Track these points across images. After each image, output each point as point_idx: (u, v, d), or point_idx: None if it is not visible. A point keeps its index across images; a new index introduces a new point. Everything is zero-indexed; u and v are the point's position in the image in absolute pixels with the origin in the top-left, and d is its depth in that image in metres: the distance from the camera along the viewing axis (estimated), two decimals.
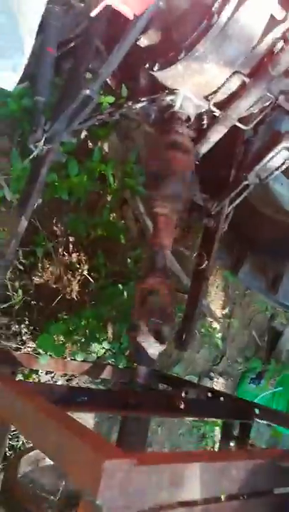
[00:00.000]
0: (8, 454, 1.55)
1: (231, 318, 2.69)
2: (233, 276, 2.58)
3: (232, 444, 1.61)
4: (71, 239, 1.88)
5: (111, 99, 1.73)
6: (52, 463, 1.39)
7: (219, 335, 2.59)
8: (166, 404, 1.32)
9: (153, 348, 1.33)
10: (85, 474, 0.59)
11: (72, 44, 1.58)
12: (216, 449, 2.12)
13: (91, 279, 1.92)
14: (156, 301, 1.33)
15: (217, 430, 2.29)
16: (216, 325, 2.58)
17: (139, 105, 1.46)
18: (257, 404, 1.59)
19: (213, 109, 1.52)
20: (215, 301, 2.61)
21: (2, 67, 0.78)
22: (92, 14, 1.02)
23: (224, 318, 2.65)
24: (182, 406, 1.32)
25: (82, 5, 1.34)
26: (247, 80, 1.43)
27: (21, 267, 1.71)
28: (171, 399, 1.33)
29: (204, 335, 2.51)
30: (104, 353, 1.78)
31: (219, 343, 2.58)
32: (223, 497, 0.74)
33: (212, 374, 2.58)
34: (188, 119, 1.59)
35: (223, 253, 2.19)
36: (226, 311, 2.67)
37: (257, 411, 1.53)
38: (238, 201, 1.82)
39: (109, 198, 1.92)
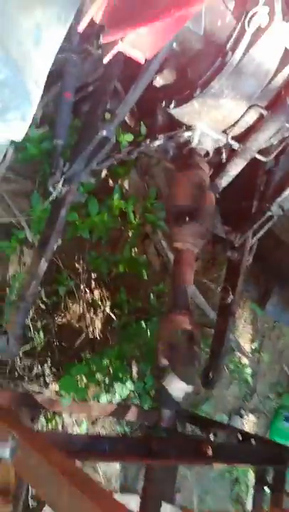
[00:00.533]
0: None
1: (261, 352, 2.59)
2: (260, 309, 2.50)
3: (266, 490, 1.51)
4: (93, 276, 1.87)
5: (130, 137, 1.75)
6: None
7: (249, 370, 2.48)
8: (193, 450, 1.25)
9: (178, 391, 1.28)
10: None
11: (90, 88, 1.62)
12: (250, 496, 1.99)
13: (114, 316, 1.89)
14: (180, 340, 1.29)
15: (251, 474, 2.16)
16: (245, 360, 2.48)
17: (157, 143, 1.46)
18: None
19: (232, 142, 1.51)
20: (243, 334, 2.52)
21: (11, 118, 0.79)
22: (105, 61, 1.04)
23: (253, 352, 2.55)
24: (210, 452, 1.25)
25: (100, 51, 1.38)
26: (265, 112, 1.42)
27: (44, 307, 1.70)
28: (198, 444, 1.26)
29: (233, 371, 2.42)
30: (129, 393, 1.73)
31: (249, 378, 2.47)
32: None
33: (243, 411, 2.46)
34: (207, 153, 1.58)
35: (250, 285, 2.13)
36: (255, 345, 2.57)
37: None
38: (261, 233, 1.78)
39: (130, 234, 1.91)
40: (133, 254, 1.96)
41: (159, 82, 1.42)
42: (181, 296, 1.38)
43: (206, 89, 1.33)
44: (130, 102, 1.25)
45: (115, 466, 1.83)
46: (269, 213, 1.73)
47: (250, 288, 2.16)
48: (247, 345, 2.52)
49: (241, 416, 2.44)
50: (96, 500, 0.58)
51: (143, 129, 1.77)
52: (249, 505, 2.10)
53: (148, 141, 1.49)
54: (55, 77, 1.49)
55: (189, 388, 1.30)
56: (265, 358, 2.60)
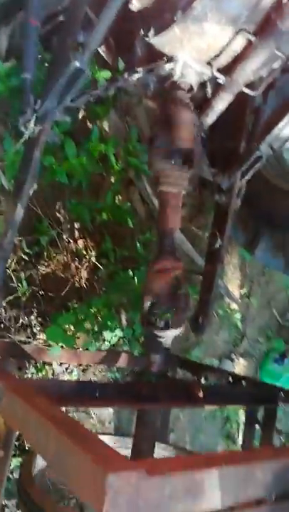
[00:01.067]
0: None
1: (250, 297, 2.59)
2: (249, 255, 2.47)
3: (257, 428, 1.54)
4: (76, 225, 1.80)
5: (107, 73, 1.62)
6: None
7: (238, 315, 2.50)
8: (184, 393, 1.24)
9: (166, 335, 1.26)
10: (89, 488, 0.52)
11: (60, 18, 1.48)
12: (241, 434, 2.05)
13: (100, 266, 1.85)
14: (167, 284, 1.25)
15: (241, 413, 2.22)
16: (234, 305, 2.48)
17: (136, 76, 1.35)
18: (281, 387, 1.51)
19: (217, 74, 1.40)
20: (232, 280, 2.51)
21: None
22: None
23: (243, 297, 2.56)
24: (201, 394, 1.25)
25: None
26: (253, 38, 1.31)
27: (26, 258, 1.64)
28: (188, 387, 1.26)
29: (223, 316, 2.43)
30: (118, 340, 1.72)
31: (239, 323, 2.49)
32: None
33: (233, 356, 2.50)
34: (191, 88, 1.48)
35: (238, 231, 2.09)
36: (245, 290, 2.57)
37: (282, 394, 1.45)
38: (250, 175, 1.71)
39: (112, 180, 1.83)
40: (116, 202, 1.89)
41: (135, 5, 1.29)
42: (167, 240, 1.33)
43: (187, 11, 1.21)
44: (103, 27, 1.13)
45: (108, 410, 1.86)
46: (258, 153, 1.65)
47: (238, 233, 2.12)
48: (236, 291, 2.51)
49: (232, 360, 2.49)
50: (83, 444, 0.56)
51: (121, 65, 1.64)
52: (240, 442, 2.18)
53: (126, 74, 1.37)
54: (19, 2, 1.34)
55: (178, 332, 1.28)
56: (255, 303, 2.61)
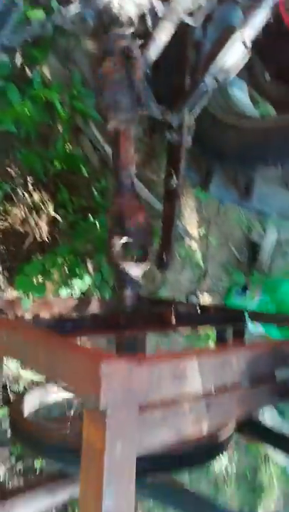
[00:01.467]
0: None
1: (209, 237, 2.68)
2: (204, 194, 2.53)
3: None
4: (30, 179, 1.76)
5: (40, 13, 1.55)
6: (56, 400, 1.40)
7: (199, 255, 2.59)
8: (158, 321, 1.31)
9: (134, 269, 1.30)
10: (84, 382, 0.56)
11: None
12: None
13: (59, 218, 1.84)
14: (130, 221, 1.28)
15: (213, 334, 2.34)
16: (194, 245, 2.57)
17: (72, 9, 1.30)
18: (246, 309, 1.62)
19: (155, 3, 1.38)
20: (190, 222, 2.58)
21: None
22: None
23: (202, 237, 2.64)
24: (174, 321, 1.32)
25: None
26: None
27: None
28: (162, 315, 1.33)
29: (185, 256, 2.51)
30: (88, 287, 1.75)
31: (200, 262, 2.59)
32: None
33: (198, 292, 2.61)
34: (131, 22, 1.45)
35: (192, 171, 2.12)
36: (203, 230, 2.65)
37: (247, 315, 1.56)
38: (198, 109, 1.72)
39: (60, 129, 1.79)
40: (68, 151, 1.86)
41: None
42: (124, 177, 1.34)
43: None
44: None
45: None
46: (203, 87, 1.66)
47: (192, 174, 2.16)
48: (195, 232, 2.59)
49: (197, 297, 2.60)
50: (74, 347, 0.59)
51: (54, 3, 1.56)
52: None
53: (62, 9, 1.32)
54: None
55: (147, 266, 1.33)
56: (214, 242, 2.71)
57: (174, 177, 1.72)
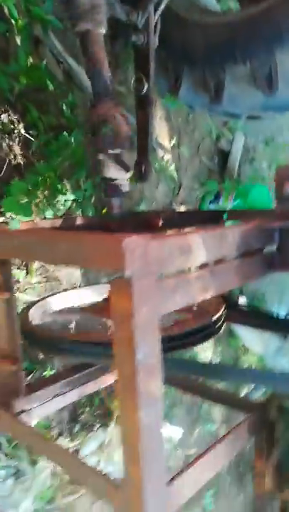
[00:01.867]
0: None
1: (180, 147, 2.69)
2: (173, 103, 2.50)
3: None
4: None
5: None
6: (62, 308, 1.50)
7: (173, 167, 2.62)
8: (145, 225, 1.38)
9: (120, 176, 1.34)
10: (109, 258, 0.63)
11: None
12: None
13: (31, 138, 1.80)
14: (111, 125, 1.28)
15: None
16: (167, 157, 2.58)
17: None
18: (224, 209, 1.71)
19: None
20: (161, 133, 2.56)
21: None
22: None
23: (174, 149, 2.65)
24: (161, 223, 1.40)
25: None
26: None
27: None
28: (148, 220, 1.40)
29: (159, 170, 2.53)
30: (71, 205, 1.78)
31: (174, 174, 2.62)
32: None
33: (174, 205, 2.68)
34: None
35: (159, 77, 2.07)
36: (174, 141, 2.65)
37: (225, 214, 1.65)
38: (163, 7, 1.66)
39: (19, 40, 1.69)
40: (29, 65, 1.77)
41: None
42: (99, 82, 1.32)
43: None
44: None
45: (76, 274, 2.00)
46: None
47: (160, 80, 2.11)
48: (166, 143, 2.59)
49: (174, 209, 2.68)
50: (95, 235, 0.65)
51: None
52: None
53: None
54: None
55: (130, 173, 1.36)
56: (185, 152, 2.72)
57: (145, 81, 1.69)
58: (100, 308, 1.39)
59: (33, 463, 1.98)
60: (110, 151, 1.32)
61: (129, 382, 0.64)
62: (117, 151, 1.32)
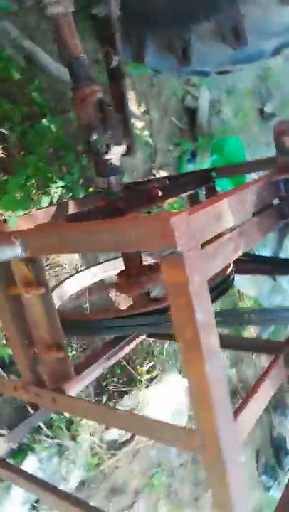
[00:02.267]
0: None
1: (150, 112, 2.70)
2: (136, 68, 2.48)
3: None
4: None
5: None
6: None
7: (146, 132, 2.63)
8: (148, 196, 1.43)
9: (113, 154, 1.37)
10: (158, 238, 0.69)
11: None
12: None
13: (6, 132, 1.79)
14: (95, 108, 1.30)
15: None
16: (140, 124, 2.59)
17: None
18: (209, 168, 1.75)
19: None
20: (129, 101, 2.55)
21: None
22: None
23: (143, 114, 2.65)
24: (160, 193, 1.45)
25: None
26: None
27: None
28: (148, 192, 1.44)
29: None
30: (62, 191, 1.79)
31: (149, 139, 2.64)
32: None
33: (154, 171, 2.72)
34: None
35: (123, 46, 2.05)
36: (142, 107, 2.65)
37: (213, 173, 1.71)
38: None
39: None
40: None
41: None
42: (76, 65, 1.33)
43: None
44: None
45: (75, 256, 2.04)
46: None
47: (124, 48, 2.08)
48: (136, 110, 2.59)
49: (154, 175, 2.71)
50: (139, 218, 0.71)
51: None
52: None
53: None
54: None
55: (123, 148, 1.40)
56: (155, 116, 2.73)
57: (113, 53, 1.68)
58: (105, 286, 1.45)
59: (73, 438, 2.10)
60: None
61: (193, 342, 0.72)
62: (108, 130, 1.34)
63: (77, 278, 1.61)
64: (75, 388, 1.18)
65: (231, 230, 0.86)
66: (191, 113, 3.03)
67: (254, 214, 0.94)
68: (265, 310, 1.28)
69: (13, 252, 0.93)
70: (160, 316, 1.09)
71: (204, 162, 2.84)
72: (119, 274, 1.46)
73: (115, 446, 2.35)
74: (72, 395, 1.12)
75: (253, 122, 3.58)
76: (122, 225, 0.74)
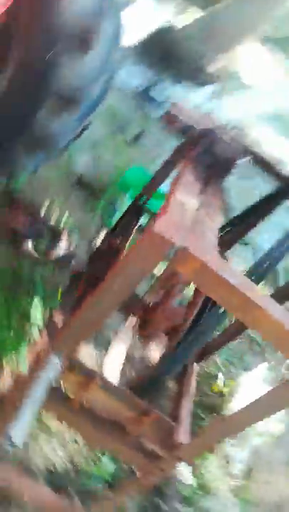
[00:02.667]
0: None
1: None
2: None
3: None
4: None
5: None
6: None
7: None
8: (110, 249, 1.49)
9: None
10: (154, 249, 0.75)
11: None
12: None
13: None
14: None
15: None
16: None
17: None
18: (134, 200, 1.83)
19: None
20: None
21: None
22: None
23: None
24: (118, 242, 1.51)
25: None
26: None
27: None
28: (110, 244, 1.51)
29: None
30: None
31: None
32: None
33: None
34: None
35: None
36: None
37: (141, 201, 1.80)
38: None
39: None
40: None
41: None
42: None
43: None
44: None
45: None
46: None
47: None
48: None
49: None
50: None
51: None
52: None
53: None
54: None
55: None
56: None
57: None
58: None
59: None
60: None
61: (246, 304, 0.77)
62: None
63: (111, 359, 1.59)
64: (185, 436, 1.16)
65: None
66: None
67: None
68: None
69: (54, 366, 0.95)
70: (203, 322, 1.11)
71: (125, 203, 2.95)
72: (139, 329, 1.47)
73: None
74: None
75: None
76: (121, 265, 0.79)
